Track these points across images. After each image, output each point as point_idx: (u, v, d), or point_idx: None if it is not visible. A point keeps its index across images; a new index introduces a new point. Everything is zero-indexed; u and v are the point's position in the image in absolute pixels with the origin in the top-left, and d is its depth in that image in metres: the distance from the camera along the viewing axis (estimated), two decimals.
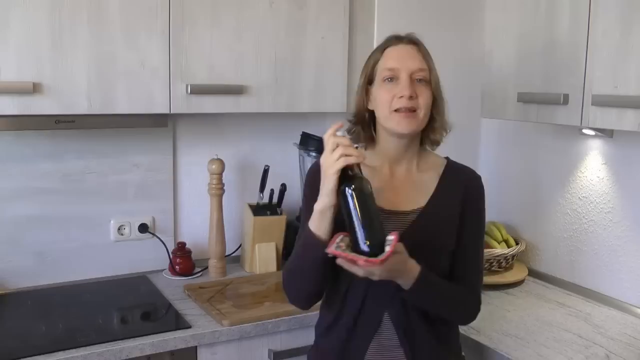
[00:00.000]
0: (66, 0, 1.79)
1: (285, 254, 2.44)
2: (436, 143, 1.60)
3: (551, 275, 2.37)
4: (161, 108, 1.96)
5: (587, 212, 2.24)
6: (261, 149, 2.51)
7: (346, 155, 1.34)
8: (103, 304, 2.05)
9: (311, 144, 2.43)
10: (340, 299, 1.53)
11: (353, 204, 1.33)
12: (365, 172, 1.54)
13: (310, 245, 1.42)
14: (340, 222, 1.37)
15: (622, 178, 2.12)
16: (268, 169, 2.40)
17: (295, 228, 2.45)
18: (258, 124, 2.50)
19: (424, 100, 1.49)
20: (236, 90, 2.05)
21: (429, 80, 1.51)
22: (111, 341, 1.74)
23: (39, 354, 1.66)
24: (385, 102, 1.49)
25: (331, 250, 1.33)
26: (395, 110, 1.48)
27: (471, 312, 1.59)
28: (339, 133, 1.36)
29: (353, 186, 1.33)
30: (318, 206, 1.39)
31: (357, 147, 1.40)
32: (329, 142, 1.36)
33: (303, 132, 2.46)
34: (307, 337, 2.00)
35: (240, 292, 2.15)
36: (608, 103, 1.78)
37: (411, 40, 1.54)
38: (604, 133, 2.11)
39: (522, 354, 1.76)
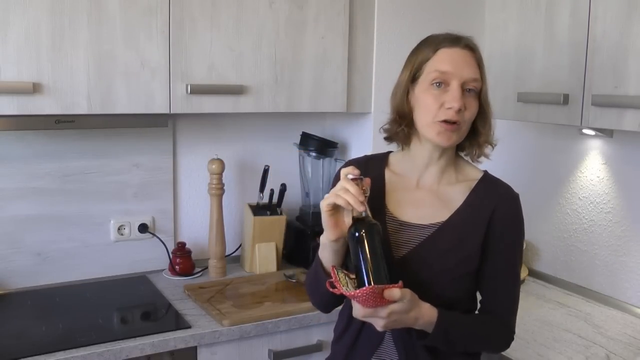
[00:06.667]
0: (66, 0, 1.79)
1: (285, 254, 2.45)
2: (482, 156, 1.48)
3: (551, 275, 2.37)
4: (161, 108, 1.96)
5: (587, 212, 2.24)
6: (261, 149, 2.51)
7: (341, 197, 1.28)
8: (103, 304, 2.05)
9: (311, 144, 2.44)
10: (349, 310, 1.48)
11: (359, 247, 1.30)
12: (391, 178, 1.50)
13: (318, 270, 1.41)
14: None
15: (622, 178, 2.12)
16: (268, 169, 2.39)
17: (295, 228, 2.47)
18: (258, 124, 2.50)
19: (470, 114, 1.38)
20: (236, 90, 2.05)
21: (479, 92, 1.39)
22: (111, 341, 1.74)
23: (39, 354, 1.66)
24: (430, 109, 1.37)
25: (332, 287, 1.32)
26: (440, 121, 1.36)
27: (501, 344, 1.48)
28: (349, 176, 1.30)
29: (361, 230, 1.29)
30: (321, 238, 1.36)
31: (366, 196, 1.31)
32: (339, 183, 1.30)
33: (303, 132, 2.46)
34: (307, 337, 2.00)
35: (240, 292, 2.15)
36: (608, 103, 1.78)
37: (468, 45, 1.39)
38: (604, 133, 2.11)
39: (522, 354, 1.76)
